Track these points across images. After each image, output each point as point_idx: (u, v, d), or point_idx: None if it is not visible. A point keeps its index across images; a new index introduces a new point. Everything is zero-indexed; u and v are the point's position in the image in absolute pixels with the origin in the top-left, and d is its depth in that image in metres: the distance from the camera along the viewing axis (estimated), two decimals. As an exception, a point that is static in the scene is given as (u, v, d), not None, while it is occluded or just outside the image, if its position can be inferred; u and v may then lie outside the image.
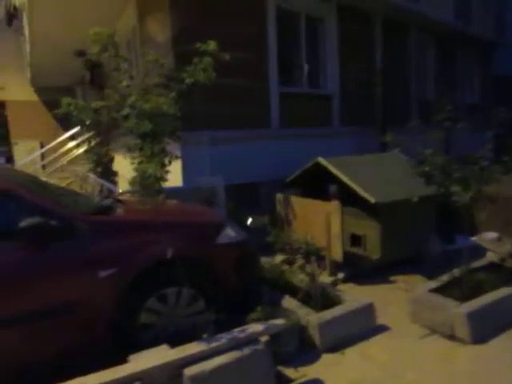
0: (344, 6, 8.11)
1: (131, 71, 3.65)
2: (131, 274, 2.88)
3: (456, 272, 3.89)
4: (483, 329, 3.31)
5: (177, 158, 3.92)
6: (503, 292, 3.59)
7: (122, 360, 2.48)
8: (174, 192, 4.35)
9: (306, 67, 8.01)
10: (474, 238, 5.66)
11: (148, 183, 3.23)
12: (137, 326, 2.91)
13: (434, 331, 3.45)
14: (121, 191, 5.00)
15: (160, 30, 6.31)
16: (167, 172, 3.43)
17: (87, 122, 3.37)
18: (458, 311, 3.33)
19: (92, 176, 7.15)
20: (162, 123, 3.24)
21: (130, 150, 3.42)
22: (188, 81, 3.41)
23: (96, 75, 9.90)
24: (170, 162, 3.78)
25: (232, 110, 6.43)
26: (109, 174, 7.44)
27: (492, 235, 5.79)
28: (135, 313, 2.90)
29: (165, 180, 3.29)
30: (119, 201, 3.82)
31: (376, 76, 8.98)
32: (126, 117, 3.41)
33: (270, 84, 7.03)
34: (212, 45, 3.42)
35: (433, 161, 3.55)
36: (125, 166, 4.81)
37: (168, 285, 3.03)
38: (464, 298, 3.51)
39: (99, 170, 7.16)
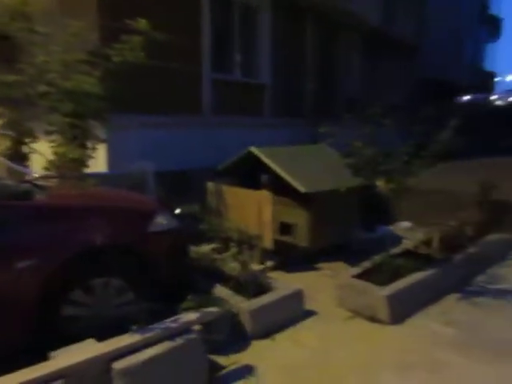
0: (278, -3, 8.19)
1: (49, 45, 3.34)
2: (53, 264, 2.66)
3: (377, 259, 4.16)
4: (401, 310, 3.58)
5: (103, 141, 3.69)
6: (418, 276, 3.91)
7: (45, 357, 2.29)
8: (100, 177, 4.10)
9: (239, 56, 7.98)
10: (392, 227, 6.08)
11: (69, 167, 3.01)
12: (61, 319, 2.71)
13: (358, 314, 3.66)
14: (37, 175, 4.60)
15: (84, 2, 5.87)
16: (90, 156, 3.21)
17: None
18: (379, 294, 3.56)
19: (1, 158, 6.50)
20: (84, 103, 3.01)
21: (49, 131, 3.15)
22: (115, 59, 3.21)
23: (3, 48, 8.96)
24: (93, 146, 3.54)
25: (163, 95, 6.22)
26: (21, 157, 6.82)
27: (406, 224, 6.28)
28: (59, 306, 2.70)
29: (86, 165, 3.08)
30: (39, 185, 3.50)
31: (307, 70, 9.23)
32: (43, 94, 3.14)
33: (203, 70, 6.91)
34: (143, 23, 3.25)
35: (362, 153, 3.72)
36: (43, 148, 4.44)
37: (95, 275, 2.86)
38: (383, 282, 3.76)
39: (11, 151, 6.53)
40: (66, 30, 3.37)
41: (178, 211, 4.92)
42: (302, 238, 4.90)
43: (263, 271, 4.43)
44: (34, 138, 2.93)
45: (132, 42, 3.07)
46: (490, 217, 5.46)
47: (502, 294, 4.06)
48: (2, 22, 2.96)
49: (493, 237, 5.23)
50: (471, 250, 4.69)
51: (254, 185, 4.90)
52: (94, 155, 3.43)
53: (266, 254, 4.70)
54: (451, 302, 3.92)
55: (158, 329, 2.58)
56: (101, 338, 2.51)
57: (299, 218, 4.90)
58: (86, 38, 3.34)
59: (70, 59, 3.28)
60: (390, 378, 2.75)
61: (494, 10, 25.23)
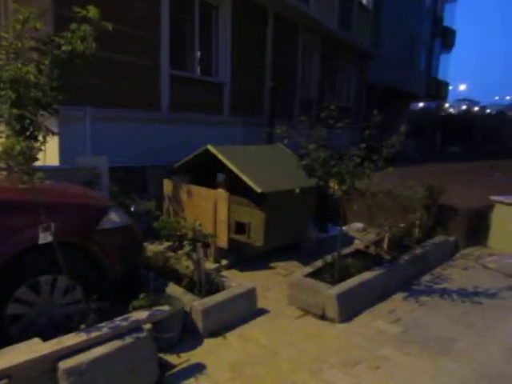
0: (238, -5, 8.20)
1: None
2: (-3, 260, 2.55)
3: (328, 258, 4.28)
4: (349, 308, 3.71)
5: (53, 134, 3.54)
6: (367, 275, 4.06)
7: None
8: (50, 171, 3.95)
9: (198, 53, 7.93)
10: (344, 228, 6.27)
11: (16, 161, 2.88)
12: (4, 317, 2.59)
13: (308, 312, 3.75)
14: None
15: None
16: (40, 149, 3.08)
17: None
18: (328, 293, 3.67)
19: None
20: (26, 94, 2.88)
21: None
22: (65, 48, 3.09)
23: None
24: (44, 138, 3.39)
25: (119, 88, 6.07)
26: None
27: (358, 225, 6.50)
28: (2, 303, 2.59)
29: (36, 158, 2.95)
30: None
31: (266, 70, 9.31)
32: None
33: (162, 65, 6.80)
34: (92, 11, 3.12)
35: (315, 155, 3.81)
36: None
37: (41, 272, 2.76)
38: (334, 281, 3.89)
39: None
40: (14, 16, 3.21)
41: (132, 208, 4.84)
42: (256, 238, 4.96)
43: (217, 270, 4.45)
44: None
45: (82, 31, 2.95)
46: (436, 219, 5.75)
47: (445, 293, 4.30)
48: None
49: (438, 239, 5.52)
50: (418, 250, 4.92)
51: (211, 183, 4.90)
52: (44, 148, 3.30)
53: (220, 253, 4.72)
54: (397, 300, 4.10)
55: (106, 327, 2.53)
56: (47, 337, 2.43)
57: (254, 217, 4.95)
58: (35, 25, 3.18)
59: (20, 46, 3.13)
60: (335, 374, 2.85)
61: (447, 22, 26.52)
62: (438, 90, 26.08)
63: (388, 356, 3.09)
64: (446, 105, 29.27)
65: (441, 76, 27.20)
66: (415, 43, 20.52)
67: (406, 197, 5.80)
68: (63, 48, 2.92)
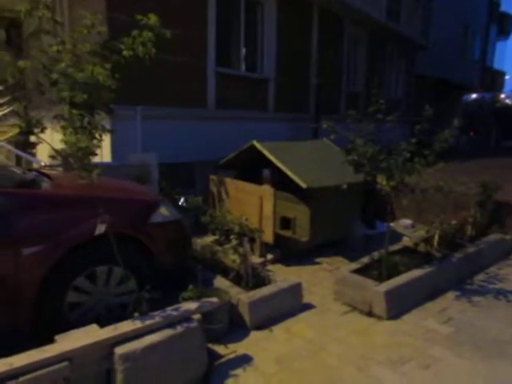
0: (283, -10, 8.17)
1: (62, 35, 3.40)
2: (58, 251, 2.73)
3: (375, 255, 4.21)
4: (397, 306, 3.64)
5: (108, 131, 3.73)
6: (415, 273, 3.95)
7: (49, 341, 2.36)
8: (103, 167, 4.16)
9: (243, 50, 8.00)
10: (392, 224, 6.12)
11: (77, 157, 3.06)
12: (64, 305, 2.78)
13: (355, 308, 3.72)
14: (44, 164, 4.66)
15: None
16: (98, 146, 3.27)
17: (9, 81, 3.07)
18: (376, 290, 3.61)
19: (8, 146, 6.56)
20: (96, 95, 3.07)
21: (58, 120, 3.20)
22: (126, 53, 3.25)
23: (14, 35, 9.01)
24: (100, 136, 3.59)
25: (168, 87, 6.25)
26: (29, 145, 6.89)
27: (407, 222, 6.32)
28: (62, 292, 2.77)
29: (95, 154, 3.13)
30: (45, 174, 3.57)
31: (312, 65, 9.22)
32: (54, 83, 3.18)
33: (208, 64, 6.93)
34: (153, 19, 3.27)
35: (363, 150, 3.75)
36: (49, 138, 4.49)
37: (98, 263, 2.92)
38: (382, 278, 3.82)
39: (19, 139, 6.61)
40: (77, 21, 3.41)
41: (182, 201, 4.99)
42: (302, 233, 4.95)
43: (263, 264, 4.50)
44: (42, 128, 2.98)
45: (143, 37, 3.10)
46: (491, 217, 5.48)
47: (500, 293, 4.10)
48: (26, 9, 2.99)
49: (493, 237, 5.26)
50: (471, 249, 4.72)
51: (256, 178, 4.95)
52: (100, 145, 3.49)
53: (266, 248, 4.76)
54: (449, 300, 3.97)
55: (158, 316, 2.65)
56: (103, 324, 2.57)
57: (300, 212, 4.95)
58: (98, 31, 3.37)
59: (82, 50, 3.33)
60: (383, 372, 2.81)
61: (504, 7, 25.04)
62: (494, 79, 24.69)
63: (438, 356, 3.00)
64: (502, 95, 27.62)
65: (496, 65, 25.73)
66: (469, 31, 19.50)
67: (459, 193, 5.58)
68: (124, 53, 3.06)
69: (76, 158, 2.90)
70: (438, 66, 15.91)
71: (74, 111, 2.88)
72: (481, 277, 4.55)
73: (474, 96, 24.89)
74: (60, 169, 4.87)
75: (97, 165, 2.90)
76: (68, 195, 3.02)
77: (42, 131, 3.06)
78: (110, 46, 3.18)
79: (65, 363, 2.18)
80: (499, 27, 24.61)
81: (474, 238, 5.10)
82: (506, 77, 28.15)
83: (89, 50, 3.19)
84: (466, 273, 4.51)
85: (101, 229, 2.72)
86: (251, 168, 5.25)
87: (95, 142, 2.96)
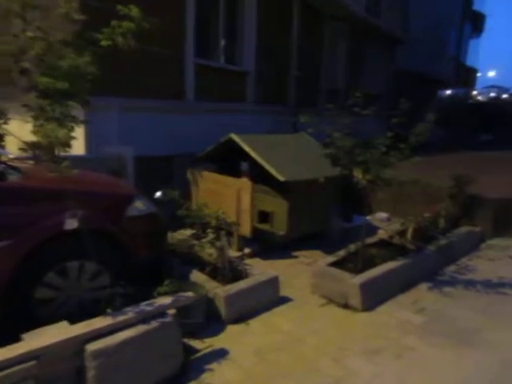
0: (263, -17, 8.12)
1: (37, 22, 3.26)
2: (26, 246, 2.64)
3: (352, 247, 4.25)
4: (373, 298, 3.69)
5: (83, 122, 3.62)
6: (390, 265, 4.02)
7: (18, 339, 2.29)
8: (77, 160, 4.05)
9: (223, 42, 7.92)
10: (368, 218, 6.20)
11: (50, 148, 2.95)
12: (33, 301, 2.70)
13: (332, 301, 3.75)
14: (12, 157, 4.50)
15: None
16: (73, 138, 3.16)
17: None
18: (352, 282, 3.66)
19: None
20: (77, 84, 2.95)
21: (27, 109, 3.08)
22: (104, 43, 3.14)
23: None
24: (73, 128, 3.47)
25: (146, 79, 6.13)
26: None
27: (383, 215, 6.41)
28: (32, 288, 2.69)
29: (69, 146, 3.03)
30: (14, 167, 3.45)
31: (291, 58, 9.21)
32: (24, 71, 3.06)
33: (187, 55, 6.82)
34: (134, 10, 3.17)
35: (340, 144, 3.77)
36: (16, 129, 4.34)
37: (70, 258, 2.85)
38: (358, 270, 3.86)
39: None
40: (52, 7, 3.28)
41: (157, 196, 4.91)
42: (279, 227, 4.96)
43: (241, 258, 4.49)
44: (6, 119, 2.86)
45: (123, 28, 3.00)
46: (463, 210, 5.62)
47: (470, 284, 4.21)
48: None
49: (464, 229, 5.40)
50: (443, 241, 4.83)
51: (234, 172, 4.92)
52: (75, 136, 3.38)
53: (244, 241, 4.75)
54: (422, 291, 4.05)
55: (132, 312, 2.60)
56: (75, 321, 2.51)
57: (278, 206, 4.95)
58: (73, 19, 3.25)
59: (56, 39, 3.20)
60: (358, 362, 2.85)
61: (477, 6, 25.54)
62: (467, 76, 25.28)
63: (411, 346, 3.06)
64: (475, 92, 28.28)
65: (470, 62, 26.33)
66: (444, 28, 19.87)
67: (432, 186, 5.69)
68: (102, 43, 2.97)
69: (46, 150, 2.79)
70: (415, 62, 16.17)
71: (46, 101, 2.77)
72: (452, 268, 4.66)
73: (448, 92, 25.41)
74: (30, 161, 4.73)
75: (66, 157, 2.81)
76: (36, 188, 2.93)
77: (6, 122, 2.93)
78: (87, 35, 3.07)
79: (33, 362, 2.11)
80: (473, 25, 25.16)
81: (446, 230, 5.21)
82: (478, 74, 28.84)
83: (62, 39, 3.07)
84: (439, 264, 4.61)
85: (72, 224, 2.65)
86: (230, 161, 5.22)
87: (69, 133, 2.85)
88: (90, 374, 2.28)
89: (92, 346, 2.31)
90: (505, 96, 25.35)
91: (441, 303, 3.79)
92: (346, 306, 3.66)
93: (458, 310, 3.65)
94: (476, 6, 25.30)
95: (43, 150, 2.79)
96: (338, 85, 11.35)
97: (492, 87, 26.66)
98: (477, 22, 25.43)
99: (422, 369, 2.80)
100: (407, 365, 2.84)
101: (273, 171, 4.66)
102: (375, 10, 12.36)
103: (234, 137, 5.06)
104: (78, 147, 5.36)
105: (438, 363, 2.87)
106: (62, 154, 2.89)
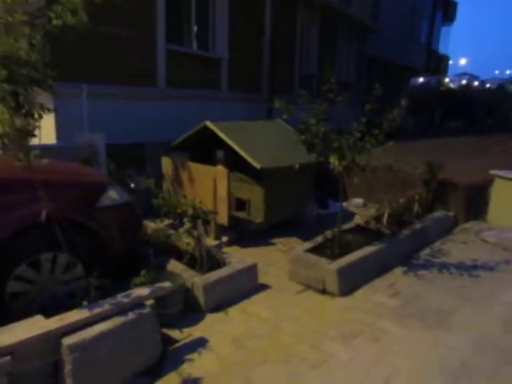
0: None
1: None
2: (-4, 239, 2.55)
3: (328, 234, 4.29)
4: (349, 283, 3.74)
5: (49, 111, 3.48)
6: (367, 250, 4.08)
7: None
8: (47, 149, 3.91)
9: (195, 28, 7.76)
10: (344, 204, 6.27)
11: (14, 138, 2.83)
12: (5, 296, 2.61)
13: (309, 287, 3.79)
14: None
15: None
16: (37, 127, 3.03)
17: None
18: (329, 268, 3.70)
19: None
20: (19, 71, 2.80)
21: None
22: (55, 22, 2.99)
23: None
24: (40, 116, 3.34)
25: (116, 64, 5.95)
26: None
27: (359, 201, 6.50)
28: (2, 281, 2.60)
29: (34, 135, 2.90)
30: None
31: (264, 45, 9.13)
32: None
33: (158, 40, 6.66)
34: None
35: (315, 130, 3.76)
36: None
37: (41, 250, 2.77)
38: (334, 256, 3.91)
39: None
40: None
41: (132, 185, 4.81)
42: (256, 214, 4.96)
43: (218, 246, 4.46)
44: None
45: (72, 4, 2.84)
46: (435, 195, 5.76)
47: (444, 267, 4.33)
48: None
49: (437, 214, 5.54)
50: (417, 225, 4.94)
51: (210, 160, 4.87)
52: (40, 125, 3.24)
53: (221, 230, 4.72)
54: (397, 275, 4.14)
55: (108, 304, 2.55)
56: (49, 314, 2.44)
57: (254, 193, 4.94)
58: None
59: (10, 21, 3.03)
60: (335, 346, 2.89)
61: (448, -6, 25.88)
62: (439, 64, 25.69)
63: (387, 329, 3.13)
64: (446, 79, 28.88)
65: (441, 50, 26.76)
66: (416, 16, 20.06)
67: (406, 172, 5.79)
68: (54, 22, 2.81)
69: (12, 138, 2.67)
70: (388, 49, 16.29)
71: (6, 87, 2.64)
72: (426, 252, 4.78)
73: (421, 79, 25.82)
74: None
75: (35, 146, 2.70)
76: (4, 179, 2.81)
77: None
78: (40, 14, 2.91)
79: (6, 358, 2.05)
80: (444, 13, 25.51)
81: (420, 215, 5.34)
82: (450, 62, 29.38)
83: (18, 20, 2.91)
84: (413, 248, 4.72)
85: (42, 214, 2.55)
86: (205, 149, 5.15)
87: (33, 121, 2.73)
88: (67, 368, 2.23)
89: (68, 340, 2.25)
90: (476, 83, 25.98)
91: (415, 286, 3.89)
92: (323, 292, 3.70)
93: (432, 293, 3.75)
94: (447, -6, 25.66)
95: (11, 140, 2.67)
96: (312, 71, 11.35)
97: (463, 74, 27.27)
98: (448, 10, 25.77)
99: (398, 351, 2.86)
100: (383, 347, 2.90)
101: (249, 158, 4.64)
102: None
103: (209, 124, 4.99)
104: (50, 136, 5.18)
105: (413, 345, 2.94)
106: (29, 143, 2.78)
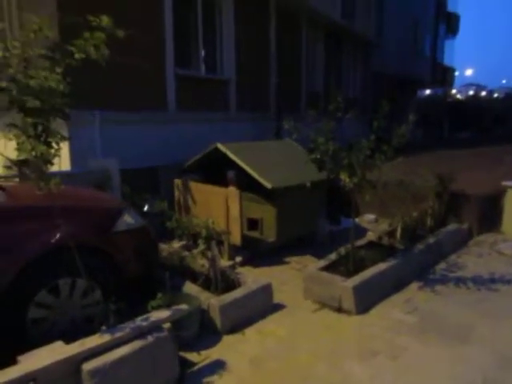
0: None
1: (7, 40, 3.23)
2: (16, 266, 2.60)
3: (342, 250, 4.29)
4: (365, 300, 3.72)
5: (65, 138, 3.59)
6: (381, 266, 4.06)
7: (13, 361, 2.25)
8: (63, 176, 4.00)
9: (203, 51, 7.94)
10: (356, 220, 6.26)
11: (34, 165, 2.92)
12: (26, 322, 2.65)
13: (324, 305, 3.77)
14: (-4, 175, 4.44)
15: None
16: (56, 154, 3.13)
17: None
18: (344, 285, 3.68)
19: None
20: (49, 100, 2.93)
21: (10, 128, 3.04)
22: (77, 56, 3.13)
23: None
24: (57, 144, 3.44)
25: (127, 91, 6.10)
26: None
27: (371, 216, 6.49)
28: (23, 308, 2.64)
29: (52, 163, 3.00)
30: (-2, 186, 3.39)
31: (271, 64, 9.29)
32: (3, 90, 3.02)
33: (167, 66, 6.82)
34: (105, 20, 3.16)
35: (325, 148, 3.81)
36: (1, 147, 4.28)
37: (60, 276, 2.81)
38: (349, 273, 3.89)
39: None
40: (25, 25, 3.26)
41: (145, 209, 4.88)
42: (269, 233, 4.98)
43: (232, 267, 4.48)
44: (-6, 139, 2.83)
45: (95, 39, 2.98)
46: (448, 207, 5.72)
47: (460, 281, 4.28)
48: None
49: (451, 226, 5.49)
50: (431, 239, 4.90)
51: (222, 181, 4.93)
52: (58, 153, 3.34)
53: (234, 250, 4.75)
54: (413, 290, 4.10)
55: (127, 328, 2.57)
56: (69, 339, 2.48)
57: (266, 213, 4.97)
58: (46, 35, 3.22)
59: (31, 55, 3.17)
60: (353, 366, 2.86)
61: (451, 7, 26.15)
62: (445, 76, 25.78)
63: (406, 346, 3.10)
64: (453, 91, 28.91)
65: (446, 62, 26.88)
66: (419, 30, 20.27)
67: (417, 186, 5.78)
68: (76, 56, 2.94)
69: (33, 167, 2.76)
70: (393, 63, 16.45)
71: (28, 119, 2.75)
72: (442, 266, 4.73)
73: (427, 91, 25.89)
74: (16, 179, 4.65)
75: (55, 174, 2.78)
76: (23, 206, 2.89)
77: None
78: (61, 49, 3.04)
79: (30, 384, 2.08)
80: (447, 26, 25.72)
81: (433, 228, 5.30)
82: (456, 73, 29.44)
83: (38, 54, 3.04)
84: (428, 263, 4.68)
85: (62, 240, 2.62)
86: (216, 170, 5.22)
87: (52, 150, 2.83)
88: (87, 393, 2.25)
89: (88, 366, 2.28)
90: (483, 93, 25.95)
91: (432, 301, 3.85)
92: (339, 310, 3.68)
93: (450, 308, 3.70)
94: (450, 8, 25.90)
95: (31, 168, 2.76)
96: (318, 89, 11.48)
97: (470, 85, 27.27)
98: (451, 23, 25.99)
99: (418, 368, 2.83)
100: (403, 365, 2.87)
101: (260, 179, 4.68)
102: (350, 15, 12.57)
103: (220, 146, 5.07)
104: (64, 163, 5.30)
105: (434, 362, 2.90)
106: (48, 170, 2.87)
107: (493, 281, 4.26)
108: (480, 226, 5.77)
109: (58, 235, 2.74)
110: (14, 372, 2.10)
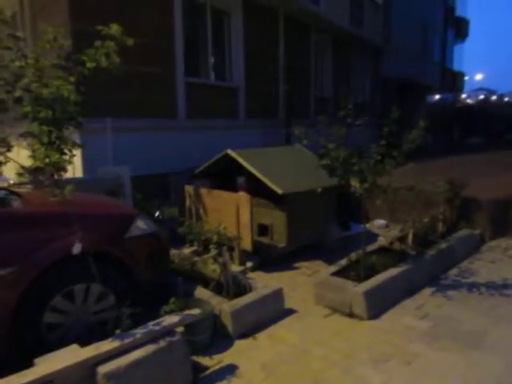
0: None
1: (24, 50, 3.31)
2: (33, 272, 2.65)
3: (353, 256, 4.29)
4: (377, 305, 3.71)
5: (78, 146, 3.66)
6: (392, 272, 4.05)
7: (29, 364, 2.29)
8: (76, 183, 4.07)
9: (212, 59, 8.04)
10: (367, 225, 6.24)
11: (48, 172, 2.98)
12: (42, 326, 2.70)
13: (336, 310, 3.77)
14: (13, 182, 4.52)
15: (56, 5, 5.80)
16: (69, 162, 3.19)
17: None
18: (355, 291, 3.68)
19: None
20: (62, 109, 2.99)
21: (25, 137, 3.11)
22: (89, 65, 3.19)
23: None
24: (70, 151, 3.51)
25: (137, 99, 6.20)
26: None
27: (381, 222, 6.47)
28: (39, 313, 2.69)
29: (65, 170, 3.06)
30: (14, 192, 3.46)
31: (280, 71, 9.35)
32: (18, 100, 3.10)
33: (177, 74, 6.92)
34: (115, 28, 3.21)
35: (335, 155, 3.83)
36: (15, 155, 4.36)
37: (75, 281, 2.86)
38: (360, 279, 3.89)
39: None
40: (39, 35, 3.34)
41: (157, 215, 4.94)
42: (279, 239, 4.99)
43: (243, 272, 4.50)
44: (9, 147, 2.89)
45: (106, 48, 3.04)
46: (459, 213, 5.68)
47: (473, 286, 4.24)
48: None
49: (463, 232, 5.45)
50: (443, 245, 4.87)
51: (232, 187, 4.97)
52: (71, 160, 3.41)
53: (245, 255, 4.77)
54: (425, 296, 4.08)
55: (141, 332, 2.61)
56: (83, 343, 2.52)
57: (276, 218, 4.99)
58: (60, 44, 3.30)
59: (45, 65, 3.25)
60: (366, 371, 2.86)
61: (460, 12, 26.11)
62: (454, 80, 25.67)
63: (418, 352, 3.08)
64: (463, 95, 28.72)
65: (456, 66, 26.78)
66: (428, 34, 20.23)
67: (428, 191, 5.76)
68: (88, 65, 3.01)
69: (47, 174, 2.82)
70: (401, 69, 16.42)
71: (44, 127, 2.81)
72: (454, 271, 4.70)
73: (437, 97, 25.76)
74: (29, 186, 4.73)
75: (69, 181, 2.84)
76: (39, 213, 2.95)
77: (9, 150, 2.96)
78: (74, 58, 3.11)
79: (47, 386, 2.12)
80: (456, 30, 25.66)
81: (445, 234, 5.27)
82: (466, 77, 29.29)
83: (52, 63, 3.12)
84: (440, 268, 4.65)
85: (77, 247, 2.66)
86: (226, 176, 5.26)
87: (66, 157, 2.88)
88: (102, 396, 2.28)
89: (103, 369, 2.32)
90: (494, 98, 25.73)
91: (445, 307, 3.82)
92: (350, 315, 3.67)
93: (462, 314, 3.67)
94: (458, 12, 25.85)
95: (44, 175, 2.82)
96: (327, 95, 11.52)
97: (480, 90, 27.08)
98: (460, 27, 25.92)
99: (431, 374, 2.81)
100: (416, 371, 2.85)
101: (270, 184, 4.71)
102: (359, 21, 12.63)
103: (230, 152, 5.11)
104: (76, 170, 5.39)
105: (447, 368, 2.88)
106: (62, 177, 2.92)
107: (506, 286, 4.22)
108: (492, 232, 5.72)
109: (74, 241, 2.79)
110: (31, 374, 2.14)
